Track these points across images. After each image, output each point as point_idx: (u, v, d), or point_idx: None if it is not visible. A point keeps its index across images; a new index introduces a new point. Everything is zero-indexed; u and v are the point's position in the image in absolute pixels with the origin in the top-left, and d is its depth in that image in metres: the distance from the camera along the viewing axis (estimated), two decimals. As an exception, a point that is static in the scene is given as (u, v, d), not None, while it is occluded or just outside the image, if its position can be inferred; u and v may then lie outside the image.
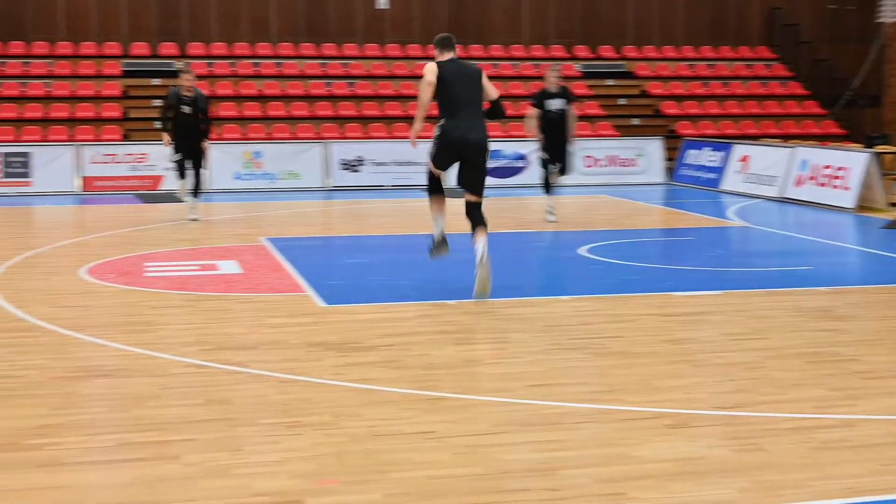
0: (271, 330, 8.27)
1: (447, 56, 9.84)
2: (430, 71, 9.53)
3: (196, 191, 15.43)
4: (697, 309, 9.20)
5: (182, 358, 7.34)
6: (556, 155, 15.26)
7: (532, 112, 15.21)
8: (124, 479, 5.06)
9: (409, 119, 23.40)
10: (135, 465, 5.23)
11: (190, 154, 15.23)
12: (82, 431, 5.76)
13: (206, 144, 15.37)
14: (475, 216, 9.72)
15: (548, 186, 15.53)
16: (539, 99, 15.27)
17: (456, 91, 9.58)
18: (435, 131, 9.85)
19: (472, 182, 9.78)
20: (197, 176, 15.35)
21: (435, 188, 10.03)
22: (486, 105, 9.92)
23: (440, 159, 9.82)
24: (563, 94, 15.25)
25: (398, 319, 8.65)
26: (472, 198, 9.78)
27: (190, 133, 15.12)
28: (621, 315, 8.85)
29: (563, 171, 15.44)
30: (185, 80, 15.10)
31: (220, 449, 5.47)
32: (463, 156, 9.71)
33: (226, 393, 6.51)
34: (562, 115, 15.11)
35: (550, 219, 15.27)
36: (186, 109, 15.02)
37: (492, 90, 9.92)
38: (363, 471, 5.13)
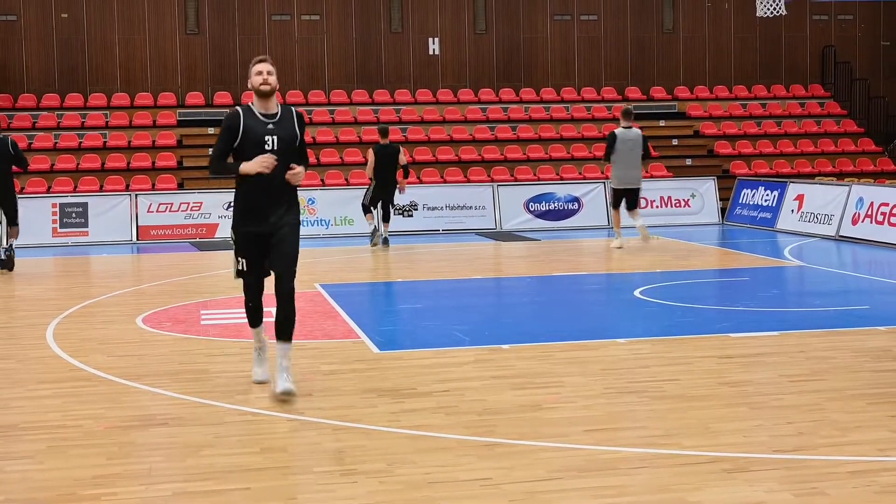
0: (325, 377, 8.28)
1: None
2: None
3: None
4: (754, 350, 9.08)
5: (237, 406, 7.36)
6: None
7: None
8: (180, 529, 5.06)
9: (461, 164, 23.50)
10: (190, 514, 5.24)
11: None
12: (138, 481, 5.78)
13: None
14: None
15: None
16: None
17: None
18: None
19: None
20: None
21: None
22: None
23: None
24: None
25: (452, 364, 8.62)
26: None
27: None
28: (678, 358, 8.75)
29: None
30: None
31: (275, 498, 5.46)
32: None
33: (281, 441, 6.51)
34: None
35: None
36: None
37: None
38: (418, 519, 5.10)
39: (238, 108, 7.43)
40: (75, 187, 21.57)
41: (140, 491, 5.62)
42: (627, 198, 17.18)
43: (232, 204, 7.67)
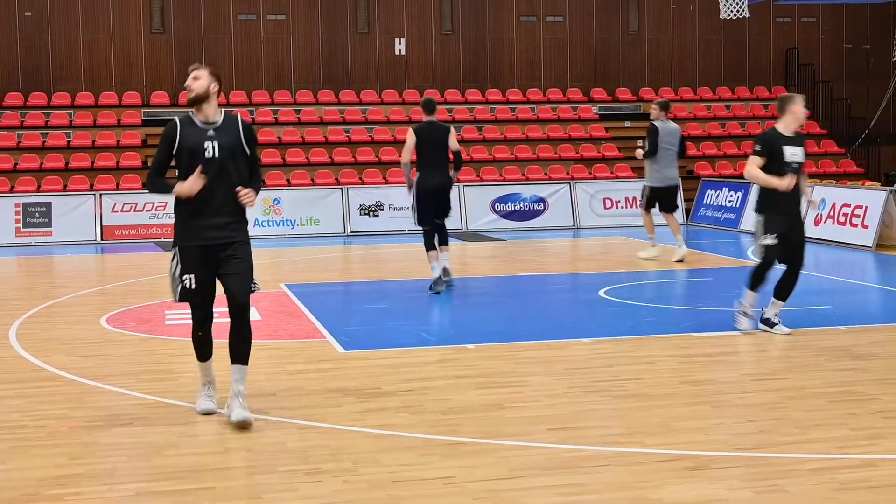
0: (290, 377, 8.28)
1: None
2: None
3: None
4: (717, 350, 9.16)
5: (201, 406, 7.33)
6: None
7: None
8: (143, 528, 5.06)
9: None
10: (154, 513, 5.23)
11: None
12: (101, 481, 5.77)
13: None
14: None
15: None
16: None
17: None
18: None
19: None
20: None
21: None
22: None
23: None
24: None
25: (417, 364, 8.64)
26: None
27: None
28: (641, 357, 8.82)
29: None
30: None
31: (239, 497, 5.46)
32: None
33: (245, 441, 6.51)
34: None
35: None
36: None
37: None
38: (382, 517, 5.11)
39: (177, 117, 7.06)
40: (39, 187, 21.41)
41: (103, 491, 5.60)
42: (666, 198, 15.68)
43: (173, 218, 7.06)
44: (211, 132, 6.88)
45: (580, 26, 26.71)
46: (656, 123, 15.54)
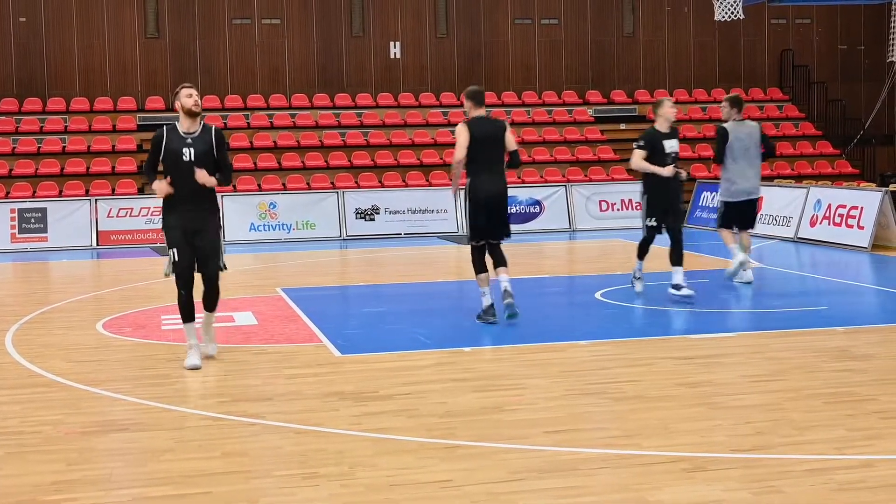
0: (287, 381, 8.27)
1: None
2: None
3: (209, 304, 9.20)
4: (714, 351, 9.16)
5: (198, 411, 7.34)
6: None
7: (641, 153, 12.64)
8: (140, 534, 5.05)
9: (423, 168, 23.50)
10: (151, 519, 5.22)
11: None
12: (98, 487, 5.75)
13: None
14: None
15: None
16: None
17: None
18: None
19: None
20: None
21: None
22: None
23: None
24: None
25: (414, 368, 8.63)
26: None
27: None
28: (638, 359, 8.81)
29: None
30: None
31: (236, 502, 5.45)
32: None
33: (242, 445, 6.50)
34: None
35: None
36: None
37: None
38: (380, 521, 5.11)
39: (165, 127, 8.82)
40: (34, 192, 21.39)
41: (100, 496, 5.59)
42: (743, 214, 13.10)
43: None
44: (189, 140, 8.71)
45: (575, 29, 26.73)
46: (726, 125, 12.96)
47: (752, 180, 12.92)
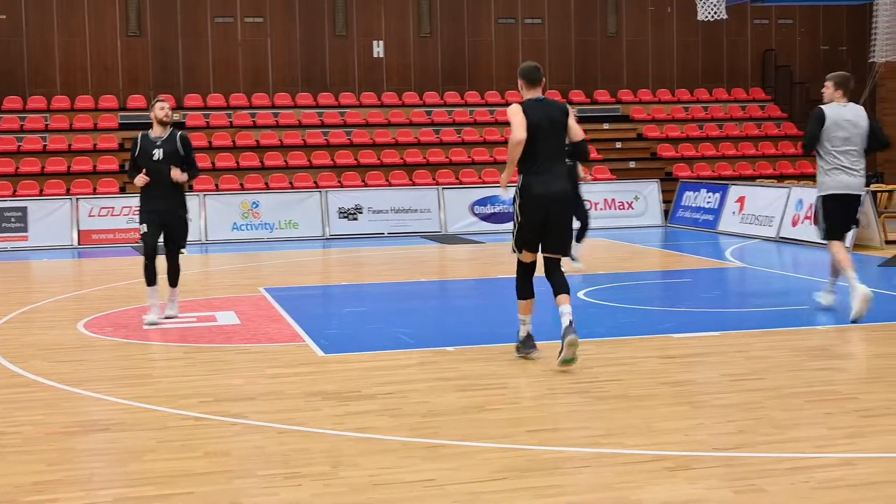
0: (270, 380, 8.25)
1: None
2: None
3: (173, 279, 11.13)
4: (696, 350, 9.18)
5: (180, 411, 7.31)
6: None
7: None
8: (122, 534, 5.02)
9: (406, 167, 23.49)
10: (132, 519, 5.20)
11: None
12: (79, 487, 5.73)
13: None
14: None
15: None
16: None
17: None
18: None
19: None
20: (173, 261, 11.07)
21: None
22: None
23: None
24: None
25: (397, 367, 8.63)
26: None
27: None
28: (621, 358, 8.82)
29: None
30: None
31: (218, 502, 5.43)
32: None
33: (224, 445, 6.48)
34: None
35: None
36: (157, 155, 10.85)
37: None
38: (362, 521, 5.10)
39: (140, 133, 11.00)
40: (14, 191, 21.30)
41: (81, 497, 5.56)
42: (845, 209, 10.97)
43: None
44: (159, 143, 10.83)
45: (558, 29, 26.76)
46: (825, 107, 11.06)
47: (852, 174, 10.78)
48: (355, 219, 21.35)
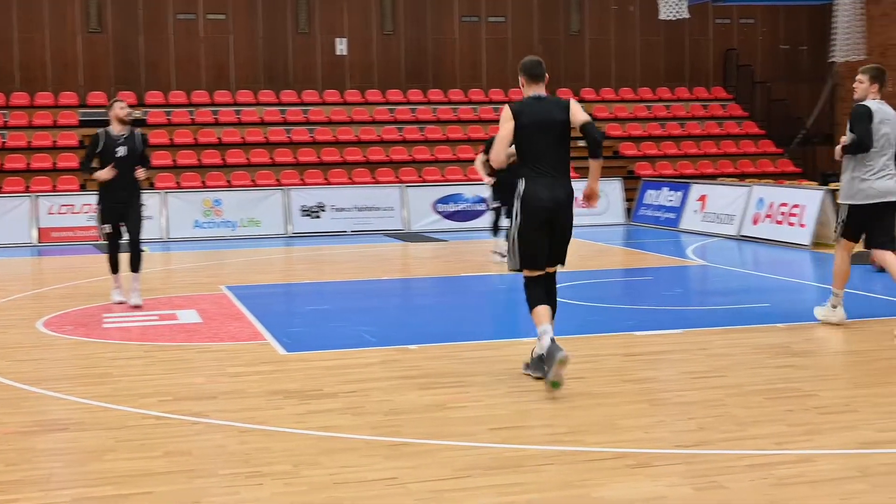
0: (231, 379, 8.21)
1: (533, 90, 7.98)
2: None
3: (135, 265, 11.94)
4: (658, 348, 9.23)
5: (140, 410, 7.26)
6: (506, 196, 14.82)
7: (483, 157, 15.00)
8: (81, 535, 4.98)
9: (369, 165, 23.45)
10: (91, 519, 5.16)
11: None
12: (38, 487, 5.67)
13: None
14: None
15: (497, 229, 15.34)
16: (489, 144, 14.88)
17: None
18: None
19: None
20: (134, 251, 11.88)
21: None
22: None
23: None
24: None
25: (359, 366, 8.61)
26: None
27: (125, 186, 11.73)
28: (583, 356, 8.84)
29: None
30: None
31: (179, 502, 5.40)
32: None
33: (185, 444, 6.44)
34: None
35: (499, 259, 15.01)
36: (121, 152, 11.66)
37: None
38: (324, 520, 5.08)
39: (100, 130, 11.73)
40: (-27, 189, 21.07)
41: (40, 497, 5.51)
42: (879, 223, 9.80)
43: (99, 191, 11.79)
44: (121, 140, 11.63)
45: (522, 27, 26.80)
46: (868, 103, 9.72)
47: (892, 178, 9.68)
48: (318, 217, 21.29)
